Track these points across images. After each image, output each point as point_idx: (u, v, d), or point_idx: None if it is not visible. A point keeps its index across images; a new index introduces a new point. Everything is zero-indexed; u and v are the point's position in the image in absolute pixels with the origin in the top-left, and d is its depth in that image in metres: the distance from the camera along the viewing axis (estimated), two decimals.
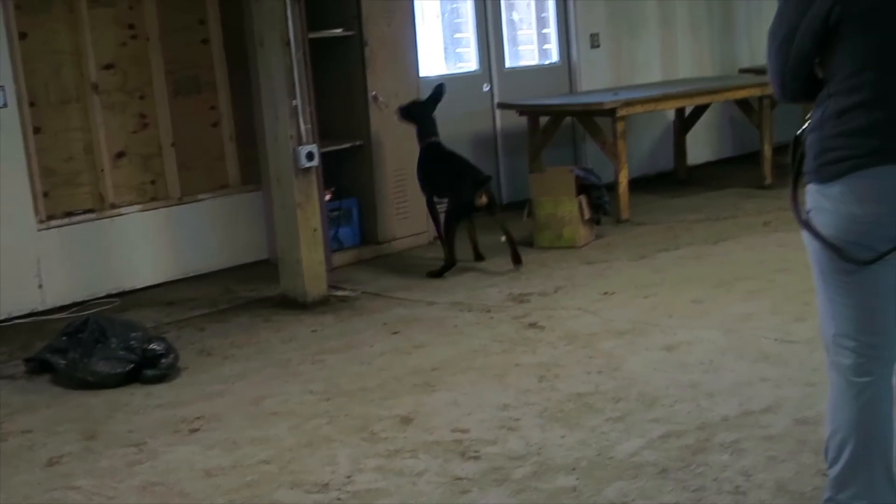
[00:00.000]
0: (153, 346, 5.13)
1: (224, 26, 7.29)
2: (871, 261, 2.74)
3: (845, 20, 2.69)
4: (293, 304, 6.28)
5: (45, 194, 6.63)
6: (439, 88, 7.06)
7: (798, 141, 2.92)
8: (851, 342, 2.85)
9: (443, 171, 6.89)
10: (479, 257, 7.02)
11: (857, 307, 2.84)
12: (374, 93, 7.37)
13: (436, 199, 7.03)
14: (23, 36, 6.48)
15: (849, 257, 2.78)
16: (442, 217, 6.90)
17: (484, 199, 6.73)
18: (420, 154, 7.02)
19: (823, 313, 2.94)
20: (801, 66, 2.82)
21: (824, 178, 2.81)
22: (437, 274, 6.71)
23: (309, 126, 6.24)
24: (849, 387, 2.87)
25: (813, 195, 2.86)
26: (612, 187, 7.99)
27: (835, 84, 2.79)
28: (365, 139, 7.41)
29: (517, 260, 6.71)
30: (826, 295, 2.90)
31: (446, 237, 6.78)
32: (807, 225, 2.87)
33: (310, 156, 6.18)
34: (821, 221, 2.83)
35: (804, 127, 2.91)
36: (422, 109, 7.04)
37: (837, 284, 2.85)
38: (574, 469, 3.78)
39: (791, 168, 2.94)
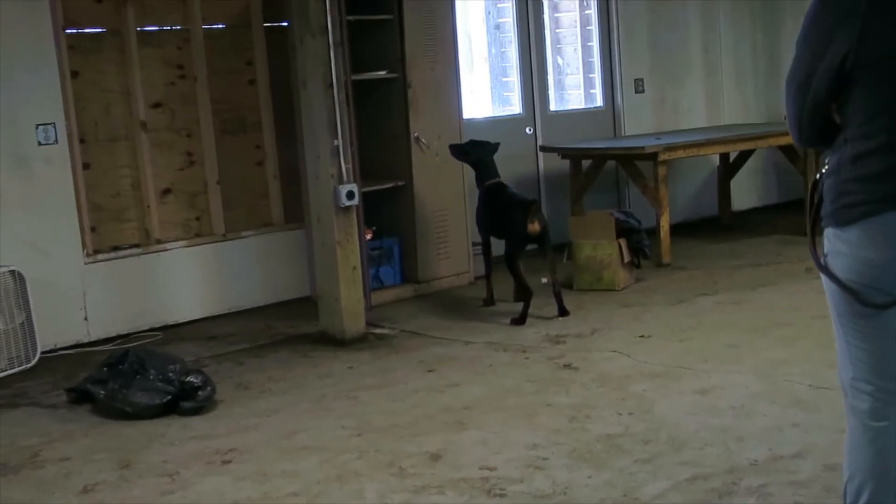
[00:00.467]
0: (191, 378, 5.22)
1: (271, 67, 7.45)
2: (887, 305, 2.75)
3: (859, 66, 2.72)
4: (331, 341, 6.36)
5: (93, 229, 6.79)
6: (496, 145, 7.07)
7: (816, 185, 2.95)
8: (868, 386, 2.86)
9: (501, 210, 6.82)
10: (562, 311, 6.71)
11: (874, 351, 2.84)
12: (416, 134, 7.47)
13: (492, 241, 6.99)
14: (74, 75, 6.67)
15: (865, 301, 2.79)
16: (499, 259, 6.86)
17: (536, 226, 6.60)
18: (482, 195, 6.95)
19: (841, 357, 2.95)
20: (818, 111, 2.84)
21: (841, 222, 2.83)
22: (522, 318, 6.53)
23: (350, 166, 6.34)
24: (865, 431, 2.87)
25: (830, 239, 2.88)
26: (654, 231, 8.01)
27: (851, 129, 2.81)
28: (407, 179, 7.50)
29: (563, 311, 6.64)
30: (843, 339, 2.91)
31: (514, 272, 6.65)
32: (824, 269, 2.89)
33: (350, 195, 6.28)
34: (838, 265, 2.85)
35: (822, 171, 2.93)
36: (481, 151, 6.99)
37: (854, 328, 2.86)
38: None
39: (809, 213, 2.97)
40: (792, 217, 9.29)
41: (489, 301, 7.05)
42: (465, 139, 7.54)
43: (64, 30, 6.61)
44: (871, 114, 2.74)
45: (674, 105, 9.90)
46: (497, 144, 7.08)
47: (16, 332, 6.08)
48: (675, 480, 3.99)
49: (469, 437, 4.61)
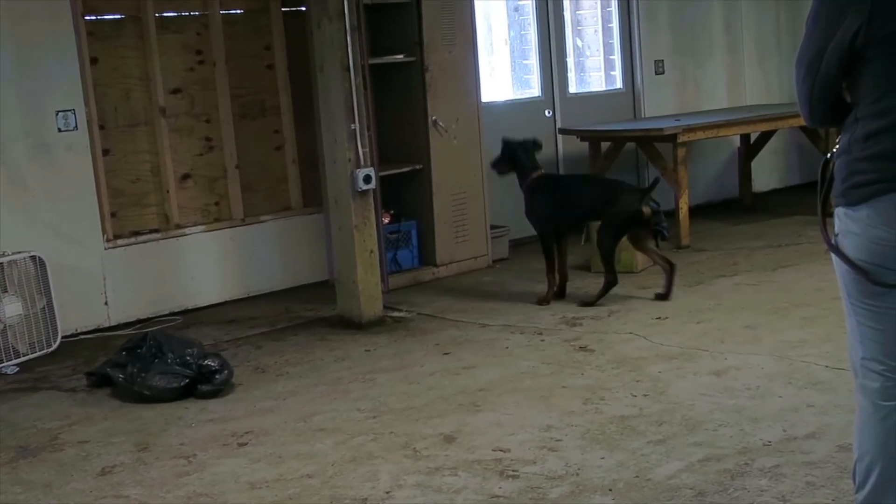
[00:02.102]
0: (208, 362, 5.26)
1: (289, 52, 7.47)
2: None
3: (871, 44, 2.70)
4: (349, 325, 6.39)
5: (113, 214, 6.84)
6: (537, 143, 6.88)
7: (826, 164, 2.94)
8: (879, 366, 2.85)
9: (580, 195, 6.62)
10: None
11: (884, 331, 2.83)
12: (434, 118, 7.47)
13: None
14: (94, 61, 6.71)
15: (876, 280, 2.78)
16: (595, 237, 6.69)
17: (648, 210, 6.41)
18: (532, 188, 6.69)
19: (851, 337, 2.94)
20: (828, 90, 2.83)
21: (851, 201, 2.82)
22: (601, 295, 6.43)
23: (367, 150, 6.36)
24: (876, 410, 2.87)
25: (841, 218, 2.87)
26: (673, 213, 7.98)
27: (862, 108, 2.80)
28: (424, 163, 7.51)
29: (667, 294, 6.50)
30: (854, 319, 2.90)
31: (607, 255, 6.47)
32: (835, 248, 2.88)
33: (367, 179, 6.29)
34: (848, 245, 2.84)
35: (833, 150, 2.92)
36: (523, 147, 6.75)
37: (864, 308, 2.85)
38: (611, 490, 3.80)
39: (819, 192, 2.96)
40: (813, 198, 9.13)
41: (560, 293, 6.69)
42: (483, 123, 7.55)
43: (83, 16, 6.65)
44: (882, 92, 2.72)
45: (695, 86, 9.84)
46: (535, 143, 6.84)
47: (37, 316, 6.14)
48: (687, 461, 3.99)
49: (483, 419, 4.63)
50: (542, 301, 6.60)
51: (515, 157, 6.73)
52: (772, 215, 9.13)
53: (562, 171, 8.94)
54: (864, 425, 2.92)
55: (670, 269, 6.55)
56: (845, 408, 4.35)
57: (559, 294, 6.68)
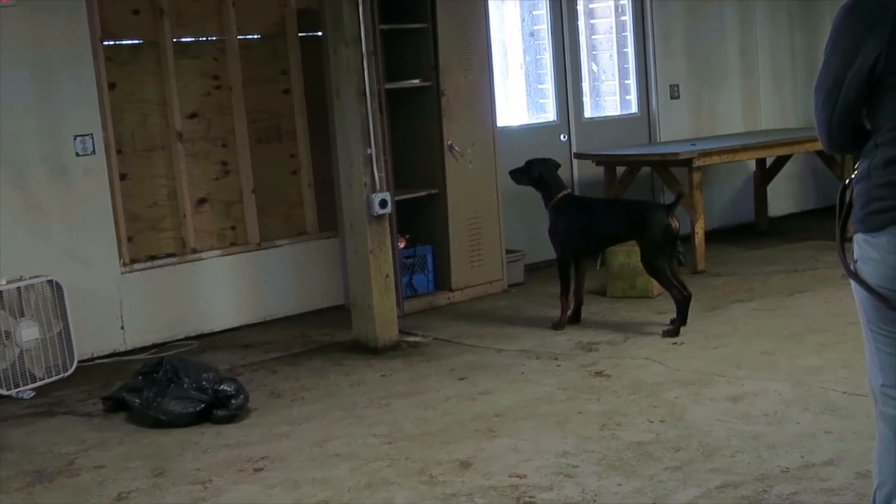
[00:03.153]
0: (224, 386, 5.25)
1: (305, 77, 7.50)
2: None
3: (890, 71, 2.71)
4: (364, 349, 6.38)
5: (130, 239, 6.86)
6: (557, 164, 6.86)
7: (845, 190, 2.93)
8: None
9: (608, 217, 6.62)
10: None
11: None
12: (449, 142, 7.48)
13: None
14: (112, 86, 6.75)
15: (895, 307, 2.77)
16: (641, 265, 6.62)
17: (677, 224, 6.38)
18: (558, 208, 6.58)
19: (871, 364, 2.93)
20: (847, 117, 2.83)
21: (871, 227, 2.81)
22: (677, 330, 6.21)
23: (383, 174, 6.37)
24: None
25: (860, 245, 2.86)
26: (689, 238, 7.97)
27: (881, 135, 2.80)
28: (440, 187, 7.51)
29: (681, 321, 6.31)
30: (873, 345, 2.89)
31: (661, 277, 6.38)
32: (853, 275, 2.87)
33: (383, 203, 6.30)
34: (867, 271, 2.83)
35: (851, 176, 2.92)
36: (546, 166, 6.70)
37: (884, 334, 2.84)
38: None
39: (838, 217, 2.95)
40: (830, 223, 9.12)
41: (575, 318, 6.65)
42: (498, 148, 7.56)
43: (102, 41, 6.69)
44: None
45: (710, 110, 9.85)
46: (557, 164, 6.84)
47: (53, 340, 6.16)
48: (705, 488, 3.97)
49: (499, 445, 4.61)
50: (557, 325, 6.58)
51: (542, 177, 6.67)
52: (787, 240, 9.11)
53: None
54: (883, 452, 2.90)
55: (682, 300, 6.34)
56: (864, 434, 4.33)
57: (574, 318, 6.67)
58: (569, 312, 6.65)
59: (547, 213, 6.69)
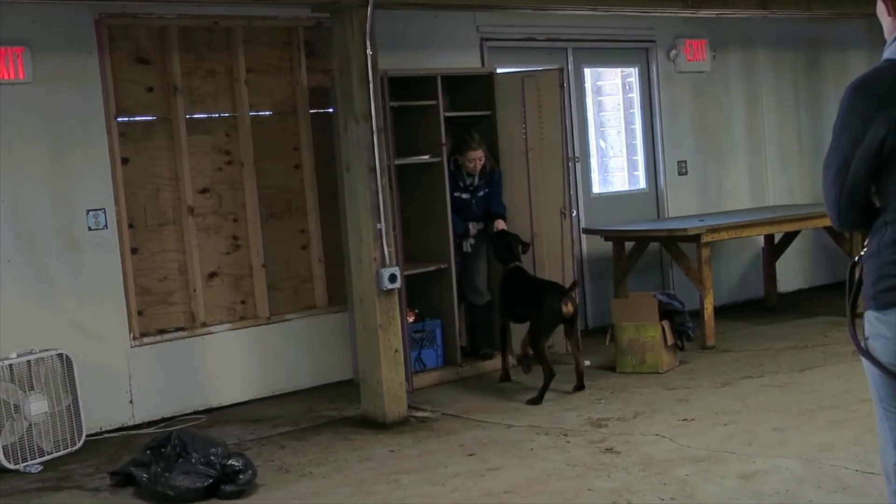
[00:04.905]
0: (232, 461, 5.23)
1: (315, 152, 7.57)
2: None
3: None
4: (373, 424, 6.36)
5: (140, 312, 6.88)
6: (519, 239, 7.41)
7: (854, 267, 2.95)
8: None
9: (526, 292, 7.02)
10: (580, 386, 6.91)
11: None
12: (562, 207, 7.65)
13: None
14: (125, 161, 6.82)
15: None
16: (525, 337, 7.02)
17: (570, 307, 6.85)
18: (504, 278, 7.22)
19: (883, 442, 2.92)
20: (856, 194, 2.86)
21: (882, 305, 2.82)
22: (539, 398, 6.67)
23: (392, 249, 6.40)
24: None
25: (871, 322, 2.87)
26: (698, 313, 7.97)
27: (891, 212, 2.82)
28: (449, 262, 7.54)
29: (580, 386, 6.89)
30: (885, 423, 2.89)
31: (538, 352, 6.76)
32: (865, 352, 2.87)
33: (392, 278, 6.32)
34: (879, 348, 2.83)
35: (861, 253, 2.94)
36: (505, 238, 7.36)
37: None
38: None
39: (848, 294, 2.96)
40: (839, 298, 9.06)
41: (578, 386, 6.96)
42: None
43: (116, 118, 6.78)
44: None
45: (717, 186, 9.91)
46: (523, 242, 7.41)
47: (62, 414, 6.15)
48: None
49: None
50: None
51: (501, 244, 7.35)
52: (797, 316, 9.10)
53: (586, 272, 8.96)
54: None
55: (547, 377, 6.70)
56: None
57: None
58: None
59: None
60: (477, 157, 7.53)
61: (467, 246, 7.67)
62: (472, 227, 7.66)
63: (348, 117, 6.37)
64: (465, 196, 7.59)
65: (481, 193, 7.67)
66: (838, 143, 2.86)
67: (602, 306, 8.77)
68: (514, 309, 7.12)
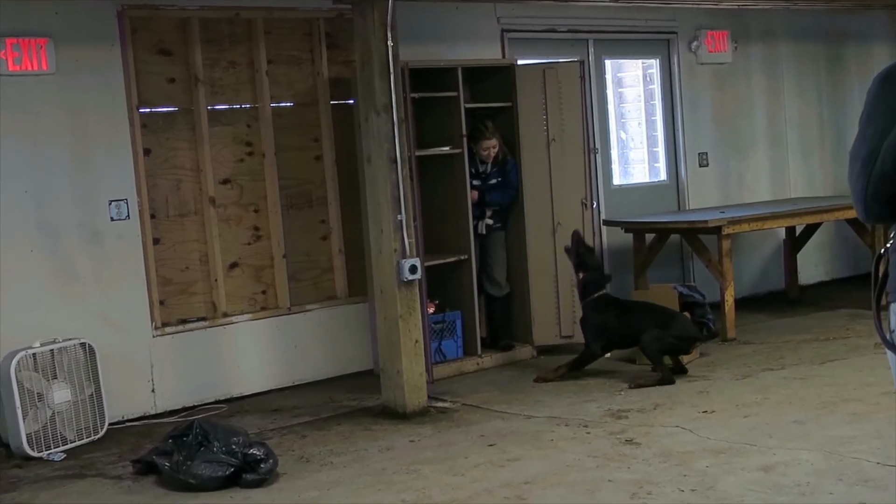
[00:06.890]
0: (253, 451, 5.26)
1: (336, 144, 7.59)
2: None
3: None
4: (393, 415, 6.38)
5: (162, 302, 6.92)
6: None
7: (879, 260, 2.93)
8: None
9: (639, 317, 7.07)
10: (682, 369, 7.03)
11: None
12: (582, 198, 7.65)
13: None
14: (147, 152, 6.86)
15: None
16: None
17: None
18: (592, 306, 7.10)
19: None
20: (883, 187, 2.83)
21: None
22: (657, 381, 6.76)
23: (413, 240, 6.41)
24: None
25: None
26: (719, 305, 7.96)
27: None
28: (469, 253, 7.54)
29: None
30: None
31: (664, 368, 6.85)
32: (890, 345, 2.86)
33: (413, 269, 6.33)
34: None
35: (887, 245, 2.92)
36: (594, 260, 7.32)
37: None
38: None
39: (873, 287, 2.94)
40: (861, 291, 9.12)
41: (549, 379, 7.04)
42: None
43: (138, 109, 6.82)
44: None
45: (738, 178, 9.88)
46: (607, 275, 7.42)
47: (85, 403, 6.20)
48: None
49: None
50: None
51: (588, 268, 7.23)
52: (818, 308, 9.07)
53: (606, 263, 8.94)
54: None
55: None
56: None
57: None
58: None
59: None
60: (490, 146, 7.56)
61: (482, 227, 7.65)
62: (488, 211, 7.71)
63: (369, 109, 6.38)
64: (476, 183, 7.60)
65: (493, 181, 7.68)
66: (864, 135, 2.83)
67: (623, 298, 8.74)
68: (622, 338, 7.12)
